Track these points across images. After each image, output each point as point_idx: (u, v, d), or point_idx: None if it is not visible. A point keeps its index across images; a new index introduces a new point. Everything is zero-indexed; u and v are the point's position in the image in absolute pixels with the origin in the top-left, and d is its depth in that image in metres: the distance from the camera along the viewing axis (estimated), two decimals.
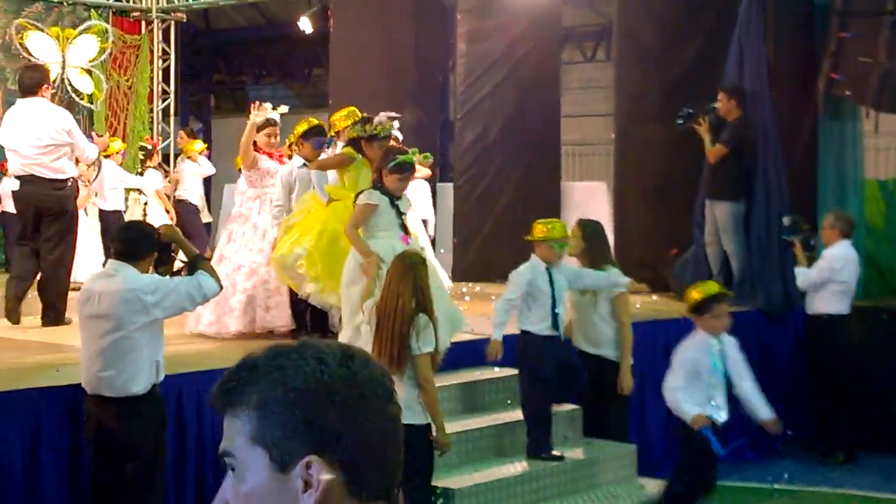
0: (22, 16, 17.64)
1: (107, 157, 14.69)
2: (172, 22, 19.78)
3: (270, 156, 9.89)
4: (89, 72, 18.04)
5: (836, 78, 12.48)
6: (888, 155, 18.71)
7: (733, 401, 11.34)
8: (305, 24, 17.76)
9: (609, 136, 14.37)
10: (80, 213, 12.72)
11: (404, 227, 8.29)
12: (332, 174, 9.43)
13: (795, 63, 12.92)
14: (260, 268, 9.47)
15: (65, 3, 18.19)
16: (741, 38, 12.13)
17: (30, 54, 17.46)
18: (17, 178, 10.07)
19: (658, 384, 10.33)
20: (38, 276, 10.13)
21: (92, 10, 18.57)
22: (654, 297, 12.32)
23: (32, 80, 10.17)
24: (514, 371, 8.99)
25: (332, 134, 9.81)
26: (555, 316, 8.42)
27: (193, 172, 16.32)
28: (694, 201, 12.30)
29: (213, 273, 6.80)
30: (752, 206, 11.93)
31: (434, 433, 7.15)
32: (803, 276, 11.39)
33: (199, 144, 16.05)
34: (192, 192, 16.26)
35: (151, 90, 19.55)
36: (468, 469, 8.15)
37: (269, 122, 9.86)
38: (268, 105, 9.86)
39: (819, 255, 11.46)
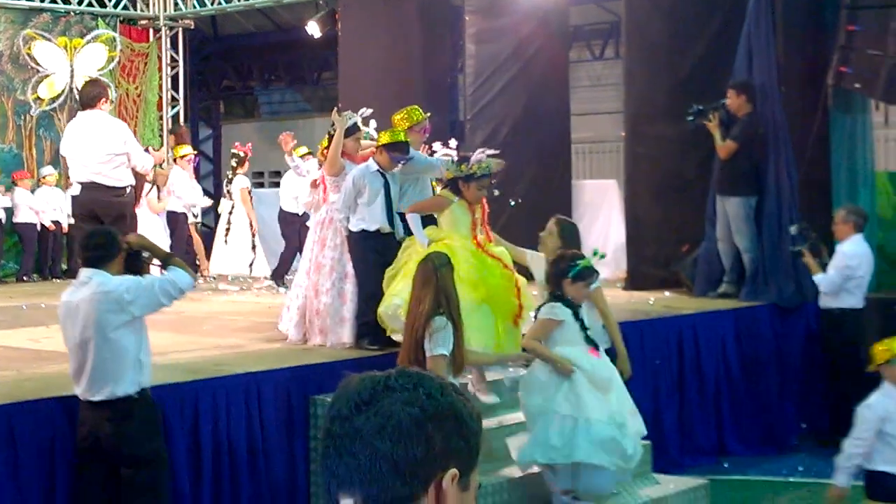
0: (29, 26, 17.69)
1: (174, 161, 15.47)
2: (180, 29, 19.81)
3: (355, 160, 9.66)
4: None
5: (846, 71, 12.46)
6: None
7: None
8: (314, 29, 17.73)
9: (619, 133, 14.38)
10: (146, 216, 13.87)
11: (590, 340, 7.77)
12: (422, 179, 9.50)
13: (805, 57, 12.91)
14: None
15: (72, 13, 18.23)
16: (750, 34, 12.16)
17: (38, 64, 17.54)
18: (80, 183, 10.68)
19: (671, 379, 10.36)
20: None
21: (99, 19, 18.61)
22: (667, 294, 12.33)
23: (91, 95, 10.79)
24: None
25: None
26: None
27: (290, 179, 15.57)
28: (705, 197, 12.32)
29: (185, 268, 6.84)
30: (763, 201, 11.96)
31: None
32: (824, 281, 11.25)
33: (302, 149, 15.24)
34: (291, 200, 15.53)
35: (160, 97, 19.58)
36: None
37: (355, 127, 9.69)
38: (348, 114, 9.67)
39: (828, 259, 11.39)
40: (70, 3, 18.26)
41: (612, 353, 8.64)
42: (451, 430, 2.12)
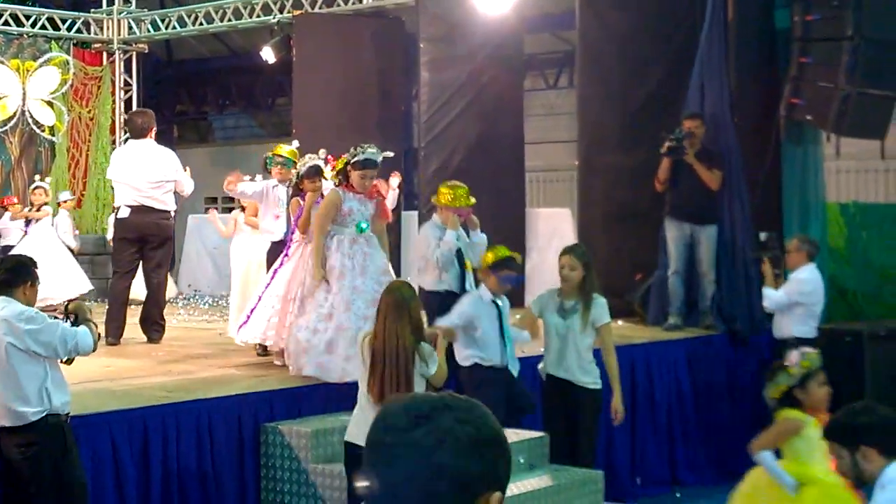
0: None
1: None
2: (134, 53, 19.73)
3: (365, 194, 9.13)
4: (50, 104, 17.99)
5: (797, 103, 12.57)
6: (848, 178, 18.83)
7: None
8: (268, 54, 17.69)
9: (572, 162, 14.41)
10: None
11: None
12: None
13: (757, 88, 13.01)
14: (336, 312, 8.85)
15: (25, 36, 18.12)
16: (703, 64, 12.22)
17: None
18: (129, 206, 11.30)
19: (624, 408, 10.33)
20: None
21: (53, 42, 18.50)
22: (620, 323, 12.32)
23: (143, 124, 11.65)
24: None
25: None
26: None
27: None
28: (657, 227, 12.35)
29: (93, 334, 6.80)
30: (718, 230, 12.04)
31: None
32: (772, 297, 11.31)
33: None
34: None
35: (113, 121, 19.47)
36: None
37: (367, 164, 9.01)
38: (373, 150, 9.08)
39: (786, 278, 11.44)
40: (23, 26, 18.15)
41: (580, 391, 8.70)
42: (500, 455, 2.25)
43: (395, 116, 16.31)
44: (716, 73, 12.24)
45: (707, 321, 12.00)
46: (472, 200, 8.93)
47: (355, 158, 9.00)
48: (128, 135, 19.42)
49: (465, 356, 8.48)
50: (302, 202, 9.79)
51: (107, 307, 11.71)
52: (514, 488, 8.42)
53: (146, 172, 11.32)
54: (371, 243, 9.13)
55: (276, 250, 10.17)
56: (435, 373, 7.21)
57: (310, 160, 10.00)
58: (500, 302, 8.48)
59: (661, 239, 12.31)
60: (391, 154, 9.46)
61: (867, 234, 13.69)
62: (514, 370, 8.63)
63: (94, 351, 6.86)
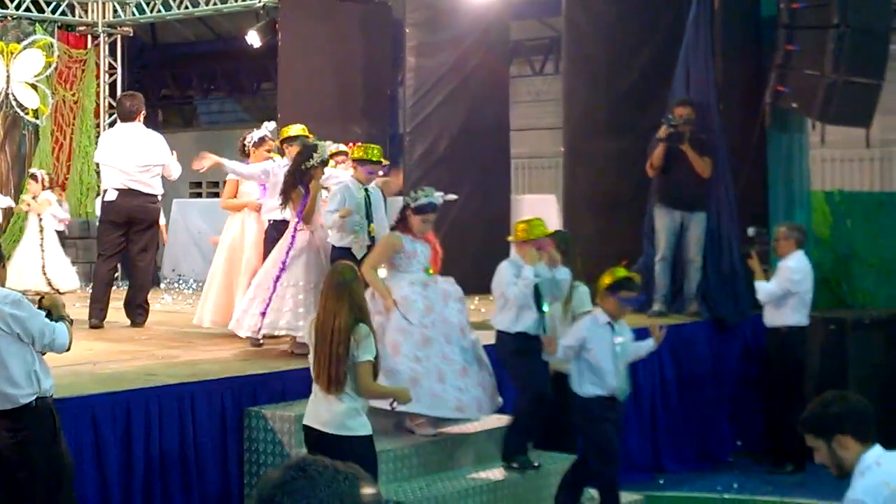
0: None
1: None
2: (119, 36, 19.63)
3: (424, 238, 8.86)
4: (34, 86, 17.90)
5: (783, 90, 12.57)
6: (834, 166, 18.89)
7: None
8: (253, 38, 17.63)
9: (558, 149, 14.41)
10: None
11: None
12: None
13: (743, 76, 13.02)
14: (438, 343, 8.53)
15: (9, 18, 18.03)
16: (688, 51, 12.22)
17: None
18: (117, 189, 11.29)
19: None
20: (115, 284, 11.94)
21: (37, 24, 18.41)
22: None
23: (132, 108, 11.63)
24: None
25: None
26: None
27: None
28: (642, 214, 12.35)
29: (69, 333, 6.72)
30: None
31: (393, 405, 7.47)
32: (765, 289, 11.28)
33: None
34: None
35: (98, 105, 19.39)
36: (418, 482, 8.13)
37: (428, 208, 8.72)
38: (435, 192, 8.81)
39: (774, 268, 11.44)
40: (7, 8, 18.06)
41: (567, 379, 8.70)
42: None
43: (380, 102, 16.28)
44: (701, 60, 12.24)
45: (692, 308, 12.02)
46: (549, 230, 8.65)
47: (416, 203, 8.72)
48: (114, 117, 19.44)
49: (583, 385, 8.26)
50: (302, 190, 9.59)
51: (90, 289, 11.75)
52: (496, 474, 8.44)
53: (134, 156, 11.32)
54: (438, 287, 8.81)
55: (278, 228, 9.98)
56: (365, 363, 6.91)
57: (324, 147, 9.76)
58: (616, 326, 8.29)
59: (647, 226, 12.31)
60: (454, 197, 9.28)
61: (852, 222, 13.71)
62: (624, 394, 8.46)
63: (67, 351, 6.79)
